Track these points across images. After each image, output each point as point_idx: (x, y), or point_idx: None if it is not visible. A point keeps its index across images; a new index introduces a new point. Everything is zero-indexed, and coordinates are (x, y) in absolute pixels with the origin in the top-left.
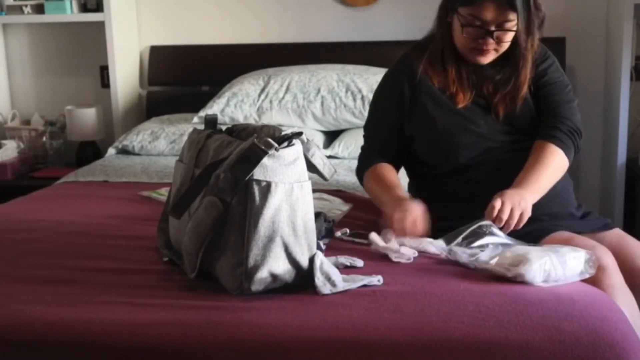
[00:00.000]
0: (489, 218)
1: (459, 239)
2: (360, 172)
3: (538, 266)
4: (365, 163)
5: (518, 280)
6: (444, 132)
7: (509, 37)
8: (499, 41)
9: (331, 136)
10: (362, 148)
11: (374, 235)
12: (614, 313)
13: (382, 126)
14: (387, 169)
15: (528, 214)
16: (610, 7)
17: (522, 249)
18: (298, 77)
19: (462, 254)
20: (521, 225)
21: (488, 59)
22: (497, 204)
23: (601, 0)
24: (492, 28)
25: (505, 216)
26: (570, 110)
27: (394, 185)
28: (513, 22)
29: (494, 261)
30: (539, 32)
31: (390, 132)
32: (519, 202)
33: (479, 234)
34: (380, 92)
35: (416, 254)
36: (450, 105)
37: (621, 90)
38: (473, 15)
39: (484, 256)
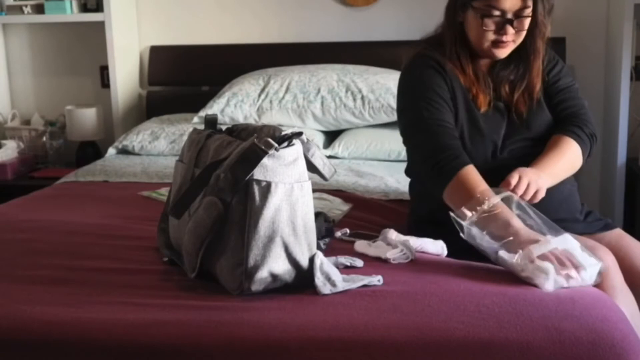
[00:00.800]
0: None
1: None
2: (443, 182)
3: (553, 279)
4: (448, 169)
5: (526, 282)
6: (465, 138)
7: (527, 24)
8: (518, 30)
9: (331, 136)
10: (427, 158)
11: (358, 245)
12: (614, 313)
13: (446, 123)
14: (476, 173)
15: (542, 193)
16: (610, 7)
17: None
18: (298, 77)
19: (483, 239)
20: (535, 201)
21: (506, 51)
22: (514, 179)
23: (601, 1)
24: (510, 16)
25: (520, 191)
26: (588, 115)
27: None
28: (529, 8)
29: (515, 258)
30: (549, 18)
31: (454, 126)
32: (536, 179)
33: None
34: (427, 88)
35: (414, 255)
36: (474, 110)
37: (621, 90)
38: (490, 6)
39: (505, 253)
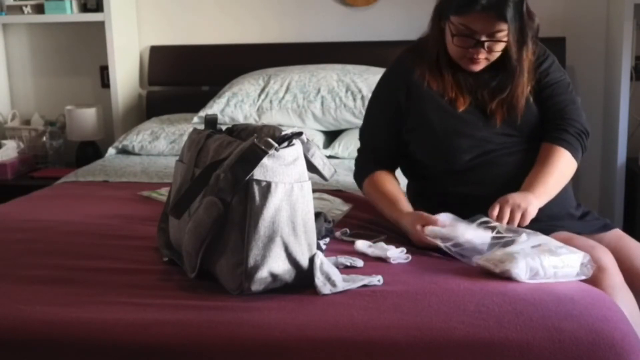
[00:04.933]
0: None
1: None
2: (359, 178)
3: (524, 264)
4: (364, 169)
5: (505, 277)
6: (442, 137)
7: (500, 46)
8: (490, 51)
9: (331, 136)
10: (359, 151)
11: (358, 245)
12: (614, 313)
13: (378, 131)
14: (386, 178)
15: (531, 215)
16: (610, 7)
17: (514, 248)
18: (298, 77)
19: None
20: (524, 225)
21: (479, 67)
22: (495, 211)
23: (601, 0)
24: (483, 38)
25: (504, 220)
26: (577, 111)
27: (395, 199)
28: (504, 32)
29: (483, 257)
30: (533, 42)
31: (387, 136)
32: (519, 203)
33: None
34: (376, 97)
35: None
36: (450, 110)
37: (621, 90)
38: (463, 25)
39: (478, 257)
